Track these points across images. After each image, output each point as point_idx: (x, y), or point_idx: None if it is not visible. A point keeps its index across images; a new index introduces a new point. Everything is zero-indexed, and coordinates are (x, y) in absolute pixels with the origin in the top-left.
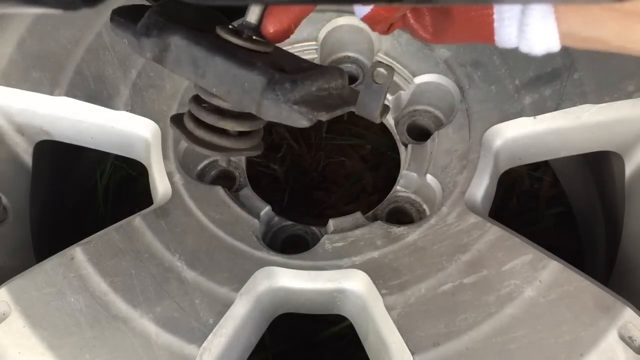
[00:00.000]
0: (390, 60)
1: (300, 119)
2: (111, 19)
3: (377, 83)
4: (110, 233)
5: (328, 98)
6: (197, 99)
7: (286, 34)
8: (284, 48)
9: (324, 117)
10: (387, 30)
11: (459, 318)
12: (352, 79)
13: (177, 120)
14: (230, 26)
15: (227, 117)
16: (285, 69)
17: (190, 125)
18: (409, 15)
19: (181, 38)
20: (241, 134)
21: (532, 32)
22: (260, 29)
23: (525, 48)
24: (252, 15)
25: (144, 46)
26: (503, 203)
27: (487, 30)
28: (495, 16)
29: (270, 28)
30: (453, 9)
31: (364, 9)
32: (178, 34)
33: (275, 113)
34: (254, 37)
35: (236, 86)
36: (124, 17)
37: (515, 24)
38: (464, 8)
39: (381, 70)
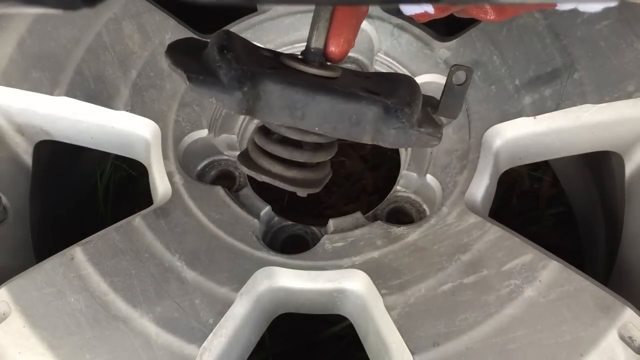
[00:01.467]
0: (390, 60)
1: (431, 140)
2: (190, 79)
3: (458, 85)
4: (110, 233)
5: (424, 109)
6: (271, 138)
7: (348, 51)
8: (284, 48)
9: (442, 130)
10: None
11: (459, 318)
12: None
13: (247, 159)
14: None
15: (307, 150)
16: (378, 91)
17: (277, 168)
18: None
19: (273, 83)
20: (317, 165)
21: None
22: (326, 53)
23: (584, 8)
24: (319, 40)
25: (237, 101)
26: (503, 203)
27: None
28: None
29: (336, 49)
30: None
31: (413, 9)
32: (268, 80)
33: (405, 140)
34: (328, 64)
35: (343, 120)
36: (197, 72)
37: None
38: None
39: (461, 72)
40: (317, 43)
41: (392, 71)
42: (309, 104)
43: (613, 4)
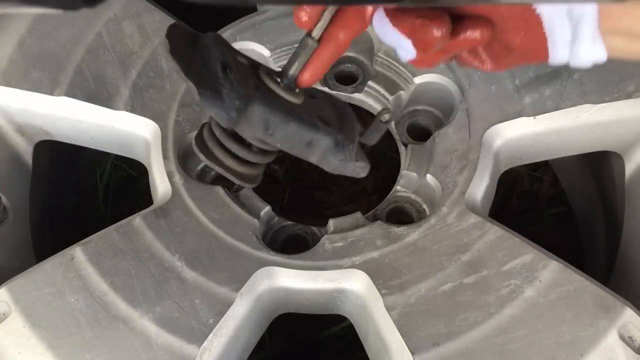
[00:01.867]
0: (390, 60)
1: (361, 172)
2: (200, 94)
3: (382, 122)
4: (110, 233)
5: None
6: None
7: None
8: (284, 48)
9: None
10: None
11: (459, 318)
12: (353, 79)
13: (201, 141)
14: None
15: (257, 153)
16: (329, 121)
17: (219, 153)
18: (464, 54)
19: (260, 106)
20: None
21: (583, 53)
22: (298, 81)
23: (575, 64)
24: (297, 68)
25: (231, 118)
26: (503, 203)
27: (542, 55)
28: (549, 45)
29: (309, 80)
30: (513, 44)
31: (409, 54)
32: (257, 103)
33: (343, 169)
34: (297, 90)
35: (301, 143)
36: (205, 87)
37: (568, 49)
38: (524, 41)
39: (387, 114)
40: (294, 70)
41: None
42: (280, 126)
43: (602, 62)
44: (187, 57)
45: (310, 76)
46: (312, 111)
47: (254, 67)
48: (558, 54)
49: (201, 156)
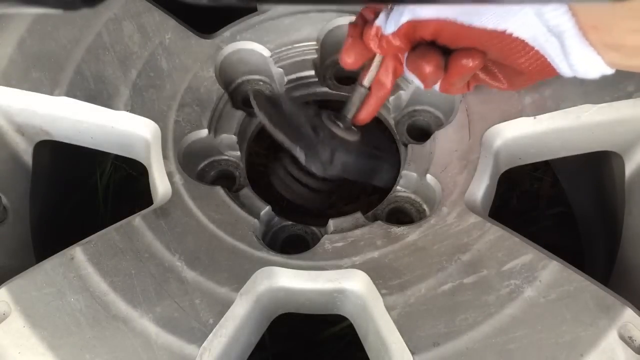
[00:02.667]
0: None
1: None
2: (306, 157)
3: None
4: (110, 233)
5: None
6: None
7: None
8: (284, 48)
9: None
10: (466, 88)
11: (459, 318)
12: (353, 79)
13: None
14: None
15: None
16: (379, 146)
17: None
18: (482, 76)
19: (342, 153)
20: None
21: (581, 66)
22: (354, 120)
23: (581, 76)
24: (351, 112)
25: (329, 169)
26: (503, 203)
27: (549, 71)
28: (550, 61)
29: (364, 120)
30: (521, 67)
31: (420, 84)
32: (340, 150)
33: (389, 181)
34: (354, 128)
35: (366, 172)
36: (299, 144)
37: (565, 63)
38: (528, 63)
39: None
40: (351, 114)
41: None
42: (354, 164)
43: (610, 73)
44: (274, 115)
45: (365, 117)
46: (368, 143)
47: (318, 115)
48: (563, 68)
49: (286, 193)
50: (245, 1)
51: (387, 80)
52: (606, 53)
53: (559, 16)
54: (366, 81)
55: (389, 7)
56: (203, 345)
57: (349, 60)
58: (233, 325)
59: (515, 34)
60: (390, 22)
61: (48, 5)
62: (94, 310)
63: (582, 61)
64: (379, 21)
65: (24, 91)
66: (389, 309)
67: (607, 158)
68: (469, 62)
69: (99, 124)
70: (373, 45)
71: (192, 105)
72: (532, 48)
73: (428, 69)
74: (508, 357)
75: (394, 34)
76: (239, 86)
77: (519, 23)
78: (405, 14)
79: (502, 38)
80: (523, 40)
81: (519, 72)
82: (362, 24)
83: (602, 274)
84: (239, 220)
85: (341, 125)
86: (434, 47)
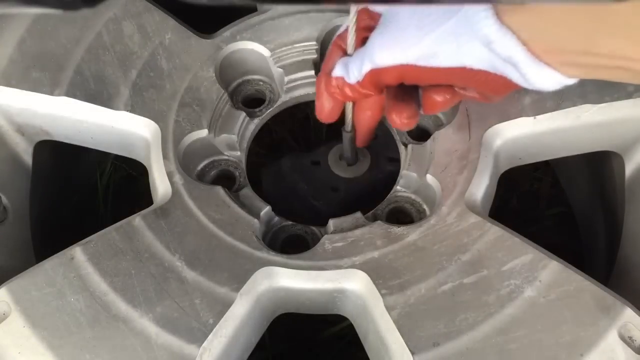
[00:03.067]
0: None
1: None
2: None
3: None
4: (110, 233)
5: None
6: None
7: None
8: (284, 48)
9: None
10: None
11: (459, 318)
12: None
13: None
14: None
15: None
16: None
17: None
18: (457, 96)
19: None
20: None
21: (535, 79)
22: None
23: (539, 88)
24: (347, 152)
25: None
26: (503, 203)
27: (514, 85)
28: (509, 78)
29: (365, 142)
30: (489, 92)
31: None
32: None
33: None
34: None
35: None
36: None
37: (527, 83)
38: (493, 86)
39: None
40: (348, 153)
41: None
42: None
43: (570, 83)
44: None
45: (364, 142)
46: (378, 163)
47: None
48: (527, 85)
49: None
50: (245, 1)
51: (365, 117)
52: (565, 70)
53: (510, 49)
54: (347, 127)
55: (341, 56)
56: (203, 345)
57: (323, 117)
58: (233, 325)
59: (475, 67)
60: (353, 71)
61: (48, 5)
62: (94, 310)
63: (543, 80)
64: (339, 72)
65: (24, 91)
66: (389, 309)
67: (607, 158)
68: (440, 98)
69: (99, 124)
70: (338, 96)
71: (192, 105)
72: (494, 74)
73: (399, 120)
74: (508, 357)
75: (360, 82)
76: (239, 86)
77: (474, 58)
78: (366, 63)
79: (464, 72)
80: (485, 70)
81: (494, 93)
82: (326, 77)
83: (602, 274)
84: (239, 220)
85: (345, 163)
86: (406, 89)
